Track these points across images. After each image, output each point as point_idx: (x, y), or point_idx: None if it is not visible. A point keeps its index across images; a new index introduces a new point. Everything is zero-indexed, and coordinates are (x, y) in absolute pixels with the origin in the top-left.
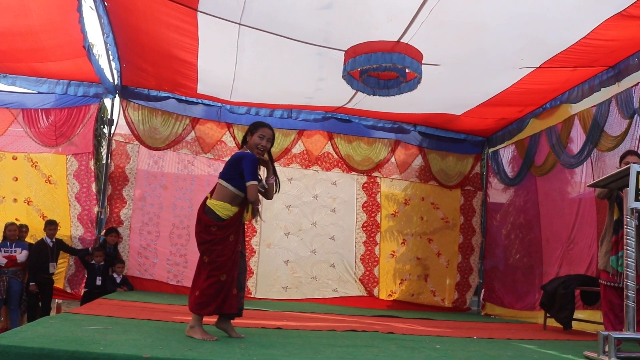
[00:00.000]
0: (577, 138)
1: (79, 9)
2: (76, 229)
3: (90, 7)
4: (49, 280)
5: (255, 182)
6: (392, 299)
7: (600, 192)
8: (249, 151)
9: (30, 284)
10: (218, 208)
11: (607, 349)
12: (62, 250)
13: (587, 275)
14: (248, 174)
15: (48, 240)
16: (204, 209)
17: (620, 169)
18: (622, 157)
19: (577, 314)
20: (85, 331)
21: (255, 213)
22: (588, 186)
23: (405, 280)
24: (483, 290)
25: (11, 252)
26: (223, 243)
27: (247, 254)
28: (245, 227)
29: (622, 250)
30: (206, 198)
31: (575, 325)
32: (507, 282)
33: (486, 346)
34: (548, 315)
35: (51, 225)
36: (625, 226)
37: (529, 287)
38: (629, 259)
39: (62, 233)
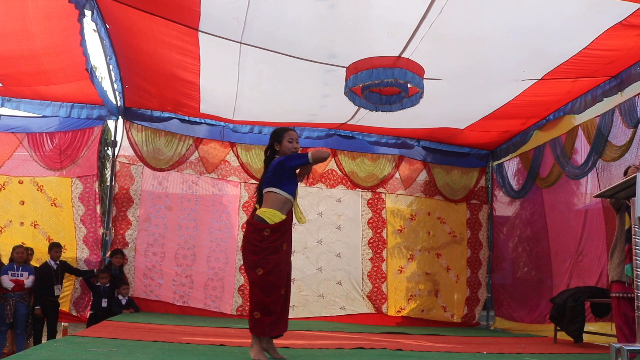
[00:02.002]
0: (582, 149)
1: (81, 32)
2: (82, 252)
3: (93, 29)
4: (55, 303)
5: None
6: (401, 315)
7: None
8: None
9: (36, 307)
10: (268, 215)
11: None
12: (67, 271)
13: (596, 287)
14: (299, 157)
15: (52, 263)
16: (254, 217)
17: (626, 178)
18: (626, 172)
19: (588, 327)
20: (90, 354)
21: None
22: (594, 197)
23: (415, 296)
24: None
25: (18, 276)
26: (278, 252)
27: None
28: None
29: None
30: (255, 209)
31: (586, 338)
32: (516, 295)
33: None
34: (558, 328)
35: (56, 248)
36: (633, 236)
37: (538, 300)
38: (638, 270)
39: (67, 255)
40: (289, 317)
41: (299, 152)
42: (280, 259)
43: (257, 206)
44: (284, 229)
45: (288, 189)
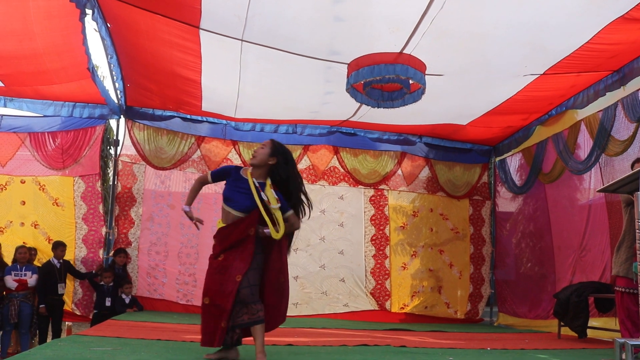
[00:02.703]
0: (584, 144)
1: (83, 31)
2: (80, 250)
3: (94, 29)
4: (59, 301)
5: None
6: (404, 311)
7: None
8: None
9: (40, 306)
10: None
11: (624, 357)
12: (69, 272)
13: (600, 282)
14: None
15: (55, 262)
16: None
17: (630, 172)
18: (633, 165)
19: (592, 322)
20: (94, 353)
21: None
22: (598, 191)
23: (419, 292)
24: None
25: (21, 276)
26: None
27: None
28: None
29: None
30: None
31: (590, 333)
32: (520, 291)
33: (500, 357)
34: (562, 324)
35: (62, 247)
36: (637, 231)
37: (541, 296)
38: None
39: (65, 254)
40: (293, 314)
41: (255, 156)
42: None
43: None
44: (220, 239)
45: (227, 198)
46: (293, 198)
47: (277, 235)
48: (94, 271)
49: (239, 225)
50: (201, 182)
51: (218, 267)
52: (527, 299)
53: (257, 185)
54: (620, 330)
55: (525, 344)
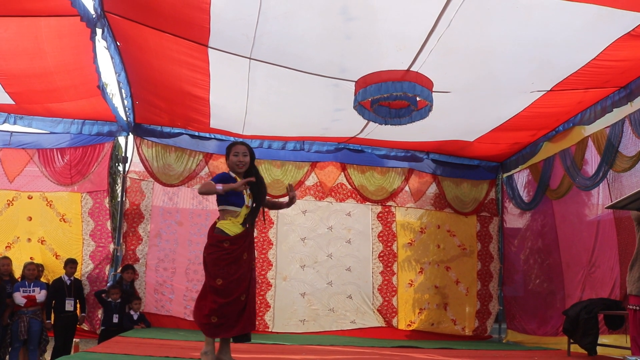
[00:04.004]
0: (592, 160)
1: (93, 49)
2: (87, 266)
3: (104, 47)
4: (70, 318)
5: (208, 181)
6: (411, 329)
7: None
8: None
9: (47, 321)
10: (227, 227)
11: None
12: (76, 291)
13: (610, 299)
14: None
15: (66, 279)
16: (215, 231)
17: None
18: None
19: (602, 339)
20: None
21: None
22: (606, 208)
23: (425, 309)
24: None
25: (30, 292)
26: (238, 262)
27: (263, 288)
28: (261, 260)
29: None
30: (214, 222)
31: (600, 350)
32: (528, 308)
33: None
34: (572, 341)
35: (71, 264)
36: None
37: (551, 313)
38: None
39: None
40: (301, 331)
41: (244, 164)
42: (240, 267)
43: (216, 220)
44: (242, 239)
45: (225, 201)
46: (262, 186)
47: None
48: (94, 293)
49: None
50: (219, 205)
51: (247, 266)
52: (536, 315)
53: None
54: (631, 348)
55: None
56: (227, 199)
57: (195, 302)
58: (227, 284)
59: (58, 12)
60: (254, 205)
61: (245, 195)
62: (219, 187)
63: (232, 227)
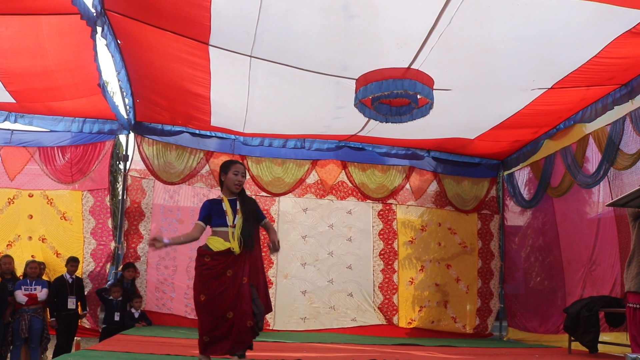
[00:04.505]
0: (593, 157)
1: (95, 48)
2: (88, 264)
3: (105, 45)
4: (72, 316)
5: (198, 222)
6: (411, 326)
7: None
8: (217, 196)
9: (51, 319)
10: (212, 242)
11: None
12: (77, 290)
13: (610, 297)
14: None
15: (68, 277)
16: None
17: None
18: None
19: (603, 337)
20: None
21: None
22: (607, 205)
23: (425, 307)
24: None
25: (31, 290)
26: (219, 278)
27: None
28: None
29: None
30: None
31: (601, 348)
32: (529, 305)
33: None
34: (573, 338)
35: (72, 262)
36: None
37: (552, 311)
38: None
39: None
40: (302, 329)
41: (241, 185)
42: (221, 284)
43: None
44: (224, 257)
45: (217, 222)
46: (252, 205)
47: (237, 249)
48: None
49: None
50: (201, 232)
51: (232, 282)
52: (537, 313)
53: (231, 204)
54: (631, 346)
55: (535, 359)
56: (213, 221)
57: None
58: (209, 299)
59: (59, 10)
60: (243, 224)
61: (227, 217)
62: (166, 240)
63: (215, 243)
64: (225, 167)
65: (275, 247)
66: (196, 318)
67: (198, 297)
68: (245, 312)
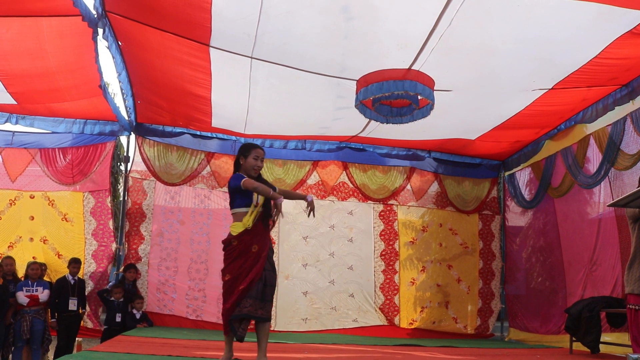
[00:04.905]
0: (594, 158)
1: (95, 49)
2: (89, 266)
3: (106, 46)
4: (73, 318)
5: (239, 175)
6: (413, 327)
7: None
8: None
9: (52, 320)
10: (233, 229)
11: None
12: (79, 291)
13: (612, 297)
14: (236, 178)
15: (70, 278)
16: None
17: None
18: None
19: (604, 337)
20: None
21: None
22: (608, 206)
23: (426, 307)
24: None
25: (33, 291)
26: (244, 255)
27: None
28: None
29: None
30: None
31: (602, 348)
32: (531, 306)
33: None
34: (574, 339)
35: (74, 264)
36: None
37: (553, 311)
38: None
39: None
40: (303, 329)
41: (260, 169)
42: (247, 258)
43: None
44: (248, 235)
45: (240, 203)
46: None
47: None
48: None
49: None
50: (231, 208)
51: (252, 259)
52: (538, 314)
53: None
54: (633, 347)
55: (537, 359)
56: (237, 202)
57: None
58: (233, 278)
59: (60, 12)
60: (264, 203)
61: (254, 196)
62: (280, 200)
63: (237, 227)
64: (246, 149)
65: (277, 207)
66: (197, 318)
67: (223, 277)
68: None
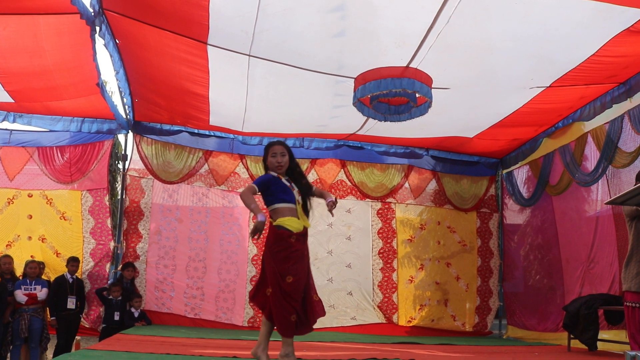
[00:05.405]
0: (591, 156)
1: (93, 47)
2: (87, 264)
3: (104, 44)
4: (72, 316)
5: (252, 185)
6: (411, 325)
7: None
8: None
9: (51, 318)
10: (289, 223)
11: None
12: (78, 290)
13: (610, 295)
14: (254, 181)
15: (68, 276)
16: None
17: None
18: (638, 176)
19: (602, 334)
20: None
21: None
22: (606, 203)
23: (425, 305)
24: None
25: (31, 290)
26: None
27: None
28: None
29: None
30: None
31: (600, 345)
32: (529, 303)
33: None
34: (572, 336)
35: (72, 262)
36: None
37: (551, 308)
38: None
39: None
40: None
41: (284, 164)
42: (304, 265)
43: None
44: (303, 237)
45: (271, 201)
46: (303, 179)
47: (309, 225)
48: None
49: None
50: (253, 193)
51: (307, 265)
52: (536, 311)
53: (288, 183)
54: (630, 344)
55: (535, 357)
56: (277, 197)
57: (268, 304)
58: (296, 280)
59: (57, 9)
60: (305, 200)
61: (294, 192)
62: (261, 217)
63: (293, 223)
64: (265, 150)
65: (333, 203)
66: (195, 317)
67: (283, 279)
68: (312, 285)
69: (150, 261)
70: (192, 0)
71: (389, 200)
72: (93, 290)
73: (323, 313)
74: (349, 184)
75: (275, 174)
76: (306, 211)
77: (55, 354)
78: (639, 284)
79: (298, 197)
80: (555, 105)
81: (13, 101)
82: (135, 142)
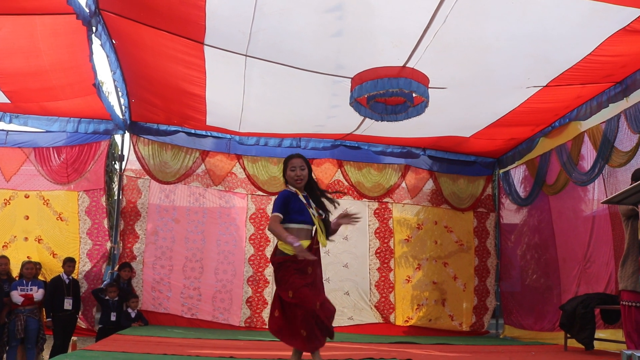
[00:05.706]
0: (588, 155)
1: (90, 47)
2: (84, 265)
3: (100, 45)
4: (68, 317)
5: (276, 214)
6: (408, 325)
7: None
8: (287, 188)
9: (47, 319)
10: (285, 247)
11: None
12: (74, 291)
13: (606, 294)
14: (275, 207)
15: (65, 277)
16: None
17: (634, 184)
18: (633, 176)
19: (599, 334)
20: None
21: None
22: (602, 203)
23: (423, 305)
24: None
25: (27, 291)
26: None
27: (261, 285)
28: (258, 257)
29: None
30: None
31: (596, 345)
32: (526, 303)
33: None
34: (569, 335)
35: (69, 263)
36: None
37: (547, 308)
38: None
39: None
40: None
41: (303, 178)
42: (305, 278)
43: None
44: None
45: (298, 219)
46: (322, 197)
47: (325, 244)
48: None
49: (315, 239)
50: (280, 222)
51: (310, 279)
52: (533, 310)
53: (305, 200)
54: (627, 343)
55: (532, 356)
56: (291, 217)
57: (283, 326)
58: (298, 294)
59: (53, 10)
60: (323, 219)
61: (311, 210)
62: (298, 244)
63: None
64: (284, 164)
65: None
66: (192, 317)
67: (286, 295)
68: (326, 299)
69: (147, 261)
70: (189, 0)
71: (386, 200)
72: (89, 290)
73: (333, 309)
74: (345, 183)
75: (293, 189)
76: (326, 226)
77: (52, 355)
78: (635, 283)
79: (315, 213)
80: (551, 104)
81: (9, 102)
82: (132, 143)
